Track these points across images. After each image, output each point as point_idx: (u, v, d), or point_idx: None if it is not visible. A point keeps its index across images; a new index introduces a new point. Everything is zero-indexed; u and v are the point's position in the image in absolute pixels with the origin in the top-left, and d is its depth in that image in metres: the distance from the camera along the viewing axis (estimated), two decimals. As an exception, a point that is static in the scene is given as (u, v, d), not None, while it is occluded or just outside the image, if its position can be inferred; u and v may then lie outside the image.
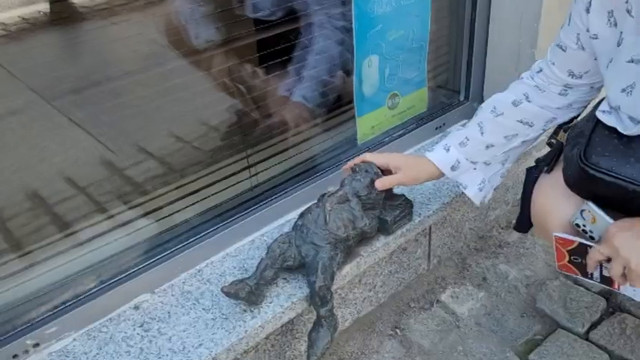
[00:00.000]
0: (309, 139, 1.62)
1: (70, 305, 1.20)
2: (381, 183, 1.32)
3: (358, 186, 1.30)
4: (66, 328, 1.19)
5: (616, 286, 1.12)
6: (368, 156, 1.35)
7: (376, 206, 1.35)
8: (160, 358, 1.15)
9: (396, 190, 1.43)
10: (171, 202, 1.39)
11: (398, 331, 1.56)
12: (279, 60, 1.49)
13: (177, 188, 1.40)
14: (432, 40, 1.65)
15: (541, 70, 1.27)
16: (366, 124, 1.62)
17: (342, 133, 1.66)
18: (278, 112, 1.55)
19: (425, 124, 1.77)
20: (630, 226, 1.06)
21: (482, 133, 1.31)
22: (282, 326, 1.28)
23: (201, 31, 1.37)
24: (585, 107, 1.30)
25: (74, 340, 1.20)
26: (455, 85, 1.88)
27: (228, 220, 1.41)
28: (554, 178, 1.25)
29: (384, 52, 1.55)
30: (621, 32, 1.08)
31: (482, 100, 1.87)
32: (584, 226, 1.15)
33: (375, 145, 1.65)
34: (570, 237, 1.14)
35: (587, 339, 1.51)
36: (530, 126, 1.29)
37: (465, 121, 1.86)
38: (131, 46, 1.31)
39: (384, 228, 1.39)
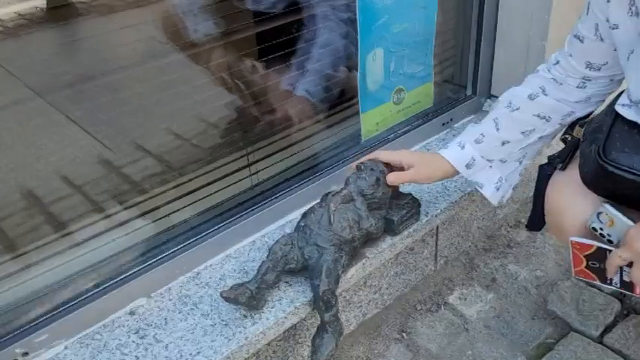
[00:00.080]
0: (312, 136, 1.58)
1: (61, 311, 1.16)
2: (394, 177, 1.28)
3: (363, 185, 1.26)
4: (57, 335, 1.15)
5: (638, 291, 1.07)
6: (380, 153, 1.31)
7: (382, 206, 1.30)
8: (156, 366, 1.11)
9: (403, 189, 1.39)
10: (169, 202, 1.35)
11: (404, 334, 1.52)
12: (281, 53, 1.45)
13: (175, 187, 1.37)
14: (439, 33, 1.62)
15: (558, 62, 1.23)
16: (371, 120, 1.58)
17: (346, 129, 1.63)
18: (280, 107, 1.52)
19: (431, 120, 1.73)
20: None
21: (497, 129, 1.26)
22: (284, 332, 1.24)
23: (201, 24, 1.34)
24: (604, 101, 1.25)
25: (66, 348, 1.15)
26: (462, 80, 1.84)
27: (228, 221, 1.37)
28: (569, 176, 1.21)
29: (389, 46, 1.50)
30: None
31: (490, 95, 1.85)
32: (601, 229, 1.10)
33: (379, 142, 1.62)
34: (588, 241, 1.10)
35: (601, 342, 1.46)
36: (548, 120, 1.25)
37: (472, 117, 1.84)
38: (129, 42, 1.28)
39: (390, 228, 1.34)
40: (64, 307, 1.16)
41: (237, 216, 1.38)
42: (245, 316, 1.18)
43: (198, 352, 1.12)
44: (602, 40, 1.13)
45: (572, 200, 1.18)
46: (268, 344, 1.24)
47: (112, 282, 1.22)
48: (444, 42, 1.75)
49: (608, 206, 1.08)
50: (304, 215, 1.26)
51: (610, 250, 1.07)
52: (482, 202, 1.65)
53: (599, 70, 1.17)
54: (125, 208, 1.30)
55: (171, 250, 1.29)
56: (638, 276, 1.02)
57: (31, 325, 1.13)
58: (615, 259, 1.05)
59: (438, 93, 1.74)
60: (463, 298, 1.61)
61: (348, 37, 1.53)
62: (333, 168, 1.53)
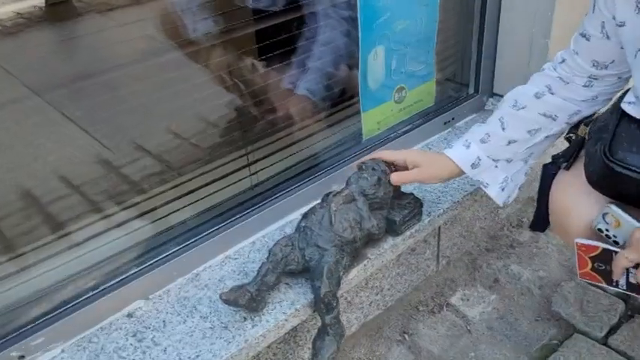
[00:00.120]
0: (313, 135, 1.57)
1: (58, 313, 1.14)
2: (398, 177, 1.26)
3: (365, 184, 1.25)
4: (54, 338, 1.13)
5: (644, 293, 1.06)
6: (383, 153, 1.30)
7: (384, 206, 1.29)
8: (154, 370, 1.09)
9: (405, 189, 1.37)
10: (168, 202, 1.34)
11: (406, 336, 1.50)
12: (281, 51, 1.44)
13: (173, 187, 1.35)
14: (440, 30, 1.60)
15: (564, 61, 1.21)
16: (372, 119, 1.56)
17: (347, 128, 1.61)
18: (280, 105, 1.50)
19: (433, 119, 1.71)
20: None
21: (503, 129, 1.25)
22: (284, 334, 1.22)
23: (200, 22, 1.33)
24: (612, 100, 1.23)
25: (62, 351, 1.14)
26: (464, 78, 1.82)
27: (227, 221, 1.35)
28: (574, 175, 1.20)
29: (391, 44, 1.49)
30: None
31: (492, 94, 1.83)
32: (607, 230, 1.08)
33: (380, 142, 1.60)
34: (593, 243, 1.08)
35: (605, 344, 1.44)
36: (554, 119, 1.23)
37: (474, 116, 1.82)
38: (128, 40, 1.27)
39: (392, 229, 1.33)
40: (60, 310, 1.15)
41: (237, 216, 1.37)
42: (245, 319, 1.17)
43: (197, 356, 1.10)
44: (608, 38, 1.11)
45: (576, 200, 1.17)
46: (268, 347, 1.22)
47: (109, 284, 1.21)
48: (446, 40, 1.73)
49: (613, 207, 1.07)
50: (305, 216, 1.25)
51: (616, 252, 1.05)
52: (484, 201, 1.63)
53: (605, 68, 1.15)
54: (123, 209, 1.28)
55: (170, 252, 1.28)
56: (644, 278, 1.00)
57: (28, 327, 1.11)
58: (621, 261, 1.03)
59: (440, 91, 1.72)
60: (465, 299, 1.60)
61: (349, 35, 1.51)
62: (333, 168, 1.52)
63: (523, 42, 1.68)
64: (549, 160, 1.29)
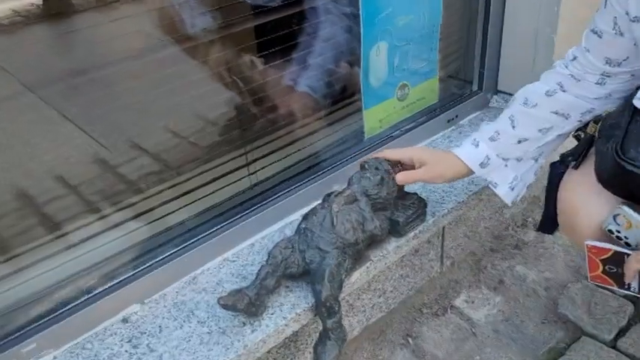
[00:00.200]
0: (313, 134, 1.54)
1: (50, 319, 1.11)
2: (403, 176, 1.23)
3: (367, 184, 1.22)
4: (46, 344, 1.10)
5: (658, 296, 1.03)
6: (388, 152, 1.27)
7: (387, 206, 1.26)
8: (150, 377, 1.06)
9: (408, 188, 1.34)
10: (164, 203, 1.31)
11: (410, 339, 1.47)
12: (282, 47, 1.41)
13: (170, 187, 1.33)
14: (444, 26, 1.57)
15: (575, 58, 1.17)
16: (374, 116, 1.53)
17: (349, 126, 1.58)
18: (281, 103, 1.48)
19: (436, 116, 1.68)
20: None
21: (513, 127, 1.22)
22: (285, 339, 1.19)
23: (199, 17, 1.31)
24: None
25: (55, 358, 1.11)
26: (467, 75, 1.79)
27: (226, 222, 1.33)
28: (583, 175, 1.17)
29: (393, 40, 1.46)
30: None
31: (496, 91, 1.81)
32: (618, 232, 1.05)
33: (383, 140, 1.57)
34: (605, 245, 1.05)
35: (614, 347, 1.42)
36: (566, 118, 1.20)
37: (478, 113, 1.79)
38: (125, 36, 1.25)
39: (395, 230, 1.30)
40: (53, 315, 1.12)
41: (236, 217, 1.34)
42: (244, 324, 1.14)
43: (195, 362, 1.07)
44: (621, 34, 1.07)
45: (586, 200, 1.14)
46: (268, 352, 1.19)
47: (104, 287, 1.18)
48: (450, 36, 1.70)
49: (625, 207, 1.04)
50: (305, 217, 1.22)
51: (628, 254, 1.02)
52: (489, 200, 1.60)
53: (618, 65, 1.12)
54: (119, 210, 1.26)
55: (167, 254, 1.25)
56: (659, 281, 0.97)
57: (19, 333, 1.09)
58: (634, 264, 1.01)
59: (443, 89, 1.70)
60: (470, 301, 1.56)
61: (350, 30, 1.49)
62: (335, 167, 1.49)
63: (528, 38, 1.65)
64: (557, 158, 1.26)
